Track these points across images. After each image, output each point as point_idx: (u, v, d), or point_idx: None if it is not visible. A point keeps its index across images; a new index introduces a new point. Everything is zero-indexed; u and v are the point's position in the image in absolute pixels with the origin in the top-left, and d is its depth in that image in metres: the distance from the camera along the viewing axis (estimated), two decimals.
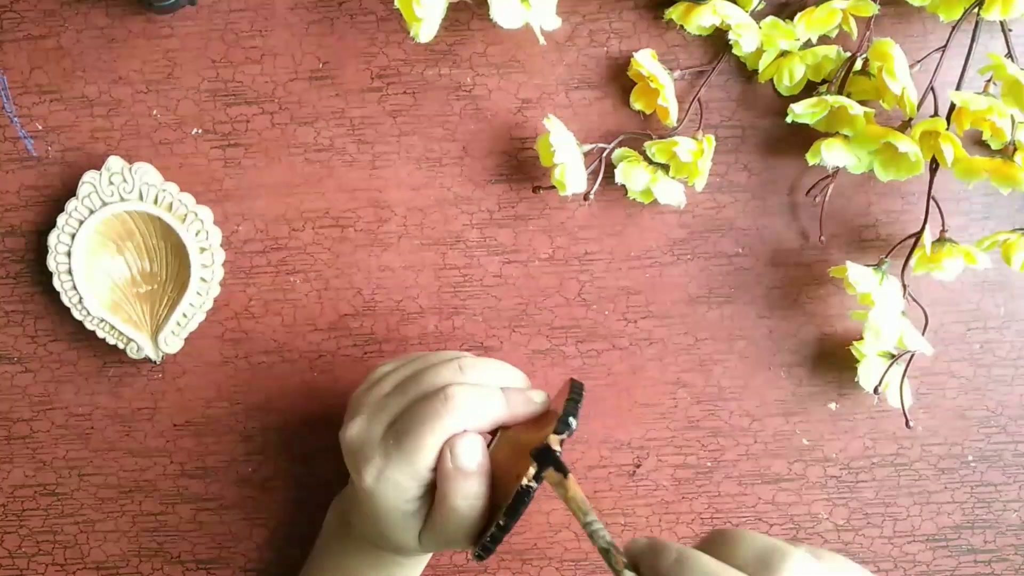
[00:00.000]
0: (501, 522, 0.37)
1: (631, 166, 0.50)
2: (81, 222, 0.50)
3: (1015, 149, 0.45)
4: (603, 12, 0.51)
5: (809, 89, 0.50)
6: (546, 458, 0.37)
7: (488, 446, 0.40)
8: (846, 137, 0.47)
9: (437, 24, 0.46)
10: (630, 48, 0.51)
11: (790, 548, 0.30)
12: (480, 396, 0.39)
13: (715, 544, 0.31)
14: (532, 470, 0.37)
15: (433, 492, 0.40)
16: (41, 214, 0.52)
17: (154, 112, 0.52)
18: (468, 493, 0.39)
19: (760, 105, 0.51)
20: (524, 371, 0.43)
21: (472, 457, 0.39)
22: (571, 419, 0.37)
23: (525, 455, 0.38)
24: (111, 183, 0.50)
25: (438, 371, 0.41)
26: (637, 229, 0.52)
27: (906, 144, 0.45)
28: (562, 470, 0.36)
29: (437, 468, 0.39)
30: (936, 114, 0.46)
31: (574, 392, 0.39)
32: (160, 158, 0.52)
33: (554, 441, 0.37)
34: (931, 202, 0.48)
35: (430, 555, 0.50)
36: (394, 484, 0.39)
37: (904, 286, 0.49)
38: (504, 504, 0.37)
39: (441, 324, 0.53)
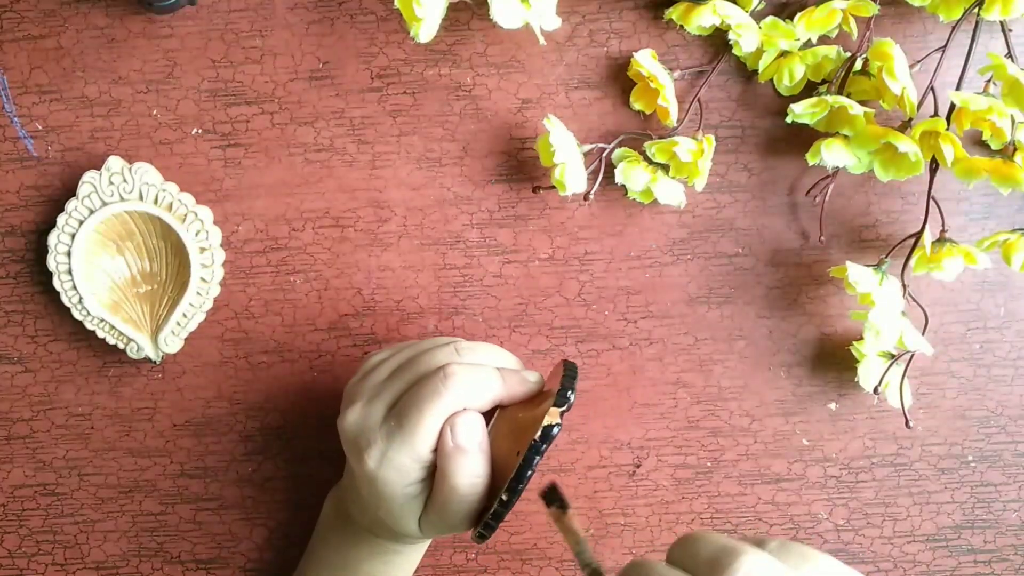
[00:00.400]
0: (504, 497, 0.38)
1: (631, 166, 0.50)
2: (81, 222, 0.50)
3: (1015, 149, 0.45)
4: (603, 12, 0.51)
5: (809, 89, 0.50)
6: (552, 496, 0.37)
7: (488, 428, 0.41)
8: (846, 137, 0.47)
9: (437, 24, 0.46)
10: (630, 48, 0.51)
11: (743, 548, 0.29)
12: (478, 374, 0.40)
13: (676, 549, 0.31)
14: (537, 436, 0.37)
15: (433, 475, 0.40)
16: (41, 214, 0.52)
17: (154, 112, 0.52)
18: (469, 471, 0.39)
19: (760, 105, 0.51)
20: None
21: (472, 434, 0.39)
22: (569, 393, 0.38)
23: (523, 434, 0.38)
24: (111, 183, 0.50)
25: (434, 354, 0.41)
26: (637, 229, 0.52)
27: (906, 144, 0.45)
28: (564, 506, 0.37)
29: (438, 448, 0.39)
30: (936, 114, 0.46)
31: (568, 370, 0.40)
32: (160, 158, 0.52)
33: (555, 414, 0.37)
34: (931, 202, 0.48)
35: (427, 543, 0.51)
36: (397, 467, 0.39)
37: (904, 286, 0.49)
38: (506, 480, 0.38)
39: (441, 324, 0.53)
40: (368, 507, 0.43)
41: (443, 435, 0.39)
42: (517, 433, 0.39)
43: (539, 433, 0.37)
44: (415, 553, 0.49)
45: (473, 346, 0.42)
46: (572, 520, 0.37)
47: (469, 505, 0.40)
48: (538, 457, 0.37)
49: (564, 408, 0.38)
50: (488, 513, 0.39)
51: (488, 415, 0.42)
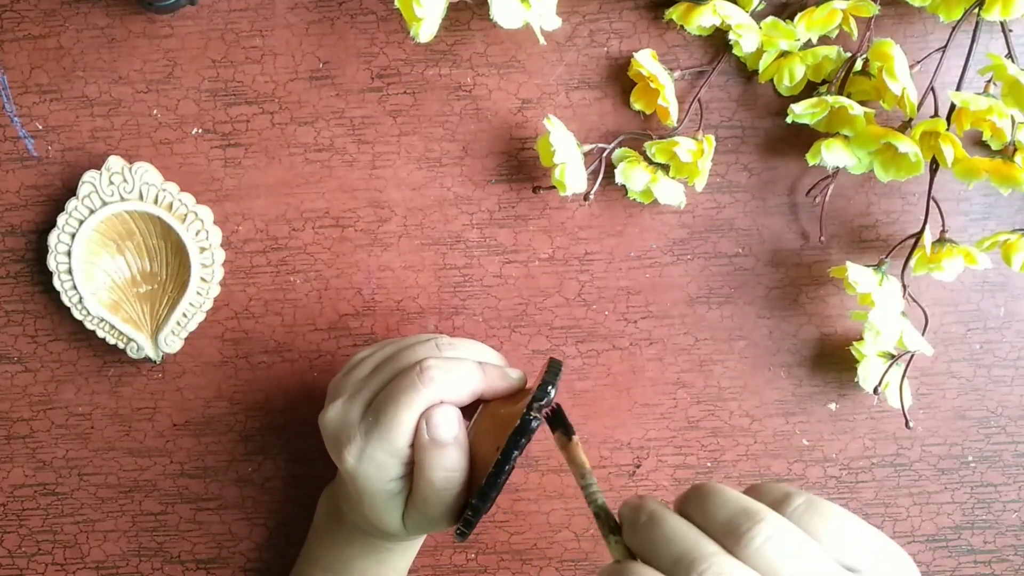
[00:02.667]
0: (481, 492, 0.37)
1: (631, 166, 0.50)
2: (81, 222, 0.50)
3: (1015, 149, 0.45)
4: (603, 12, 0.51)
5: (809, 89, 0.50)
6: (556, 420, 0.37)
7: (469, 425, 0.41)
8: (846, 137, 0.47)
9: (437, 24, 0.46)
10: (630, 48, 0.51)
11: (762, 512, 0.28)
12: (456, 368, 0.40)
13: (691, 501, 0.30)
14: (519, 424, 0.37)
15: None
16: (41, 214, 0.52)
17: (154, 112, 0.52)
18: (445, 465, 0.38)
19: (760, 105, 0.51)
20: (524, 371, 0.43)
21: (447, 428, 0.39)
22: (550, 388, 0.38)
23: (503, 429, 0.38)
24: (111, 183, 0.50)
25: (415, 350, 0.41)
26: (637, 229, 0.52)
27: (906, 144, 0.45)
28: (569, 432, 0.37)
29: (414, 442, 0.39)
30: (936, 114, 0.46)
31: (552, 366, 0.40)
32: (160, 158, 0.52)
33: (534, 408, 0.37)
34: (931, 202, 0.48)
35: (421, 541, 0.51)
36: (375, 463, 0.39)
37: (904, 286, 0.49)
38: (485, 475, 0.37)
39: (441, 324, 0.53)
40: (354, 504, 0.43)
41: (419, 430, 0.39)
42: (498, 429, 0.39)
43: (517, 426, 0.37)
44: (408, 551, 0.49)
45: (455, 342, 0.42)
46: (577, 449, 0.36)
47: (448, 500, 0.39)
48: (516, 452, 0.37)
49: (544, 402, 0.38)
50: (466, 509, 0.38)
51: (472, 412, 0.42)
